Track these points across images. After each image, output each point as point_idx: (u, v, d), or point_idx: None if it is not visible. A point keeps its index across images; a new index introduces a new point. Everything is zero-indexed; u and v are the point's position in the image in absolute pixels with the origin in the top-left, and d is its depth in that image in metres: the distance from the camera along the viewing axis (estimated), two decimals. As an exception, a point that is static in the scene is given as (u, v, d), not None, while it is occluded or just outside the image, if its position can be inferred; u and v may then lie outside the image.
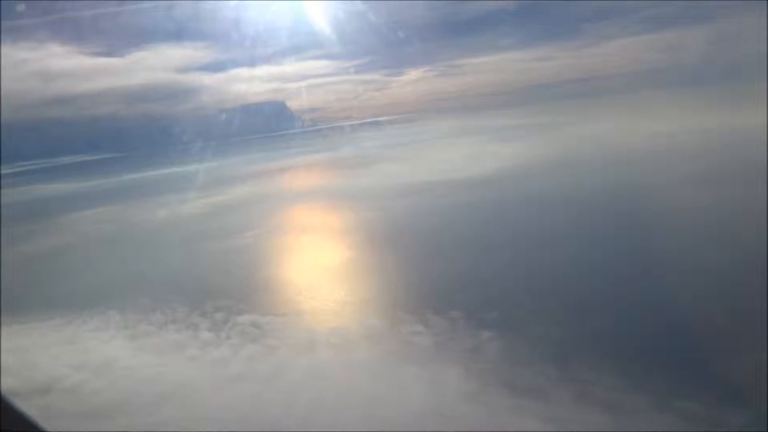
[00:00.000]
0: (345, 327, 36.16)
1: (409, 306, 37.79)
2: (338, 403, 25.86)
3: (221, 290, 49.07)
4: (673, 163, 76.28)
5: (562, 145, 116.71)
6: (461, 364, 29.81)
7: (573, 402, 25.75)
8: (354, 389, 27.43)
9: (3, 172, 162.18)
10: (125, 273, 60.94)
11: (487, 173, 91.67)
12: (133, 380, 30.15)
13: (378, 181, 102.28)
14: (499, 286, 41.43)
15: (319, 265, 55.24)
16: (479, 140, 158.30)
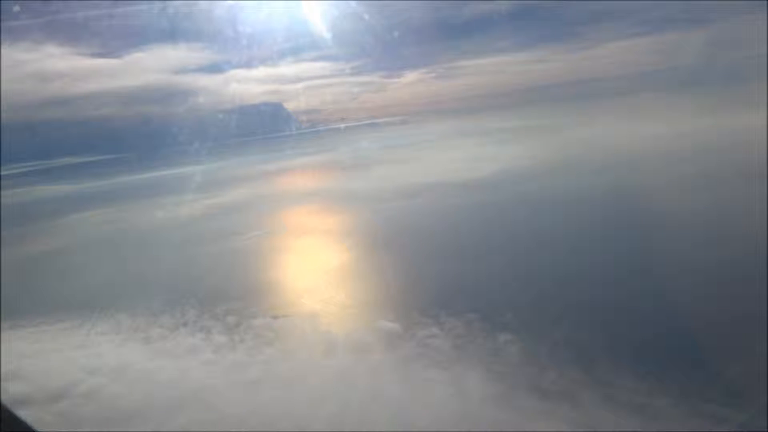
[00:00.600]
0: (360, 330, 35.71)
1: (421, 308, 37.45)
2: (364, 408, 25.50)
3: (229, 293, 48.68)
4: (671, 165, 76.32)
5: (561, 148, 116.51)
6: (483, 367, 29.51)
7: (602, 405, 25.50)
8: (378, 393, 27.08)
9: (1, 173, 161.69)
10: (129, 275, 60.48)
11: (486, 175, 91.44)
12: (151, 385, 29.66)
13: (377, 183, 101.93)
14: (507, 288, 41.19)
15: (323, 267, 54.90)
16: (477, 142, 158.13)
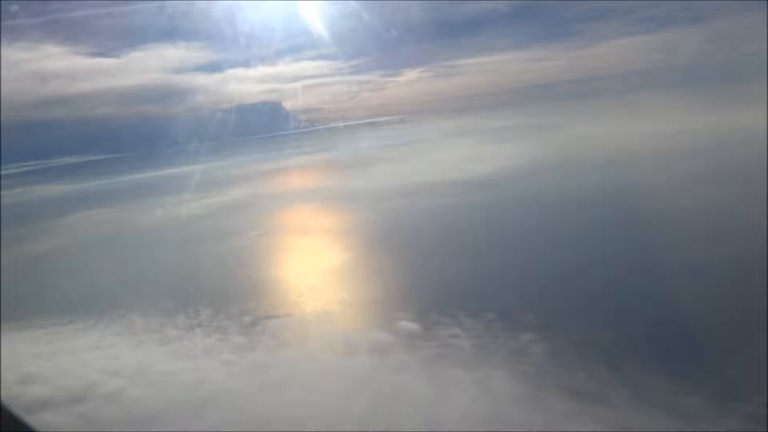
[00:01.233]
0: (379, 329, 35.31)
1: (429, 308, 37.17)
2: (393, 409, 25.16)
3: (238, 292, 48.41)
4: (671, 163, 76.40)
5: (561, 146, 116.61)
6: (508, 367, 29.21)
7: (634, 405, 25.25)
8: (406, 394, 26.75)
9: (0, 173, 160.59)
10: (133, 275, 60.00)
11: (486, 174, 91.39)
12: (173, 386, 29.22)
13: (377, 182, 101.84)
14: (516, 287, 41.08)
15: (328, 266, 54.53)
16: (477, 141, 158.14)
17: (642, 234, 48.51)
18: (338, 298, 44.47)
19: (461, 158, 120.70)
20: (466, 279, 43.91)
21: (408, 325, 34.84)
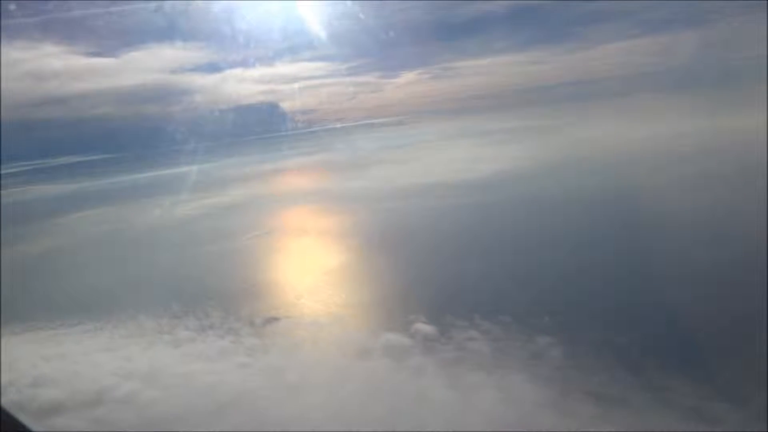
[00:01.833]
0: (394, 332, 34.89)
1: (441, 309, 36.84)
2: (416, 412, 24.78)
3: (245, 294, 48.11)
4: (669, 166, 76.62)
5: (559, 148, 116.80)
6: (528, 371, 28.89)
7: (657, 408, 24.98)
8: (428, 398, 26.40)
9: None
10: (136, 276, 59.51)
11: (485, 176, 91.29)
12: (189, 389, 28.75)
13: (376, 184, 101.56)
14: (518, 289, 40.83)
15: (334, 268, 54.19)
16: (475, 143, 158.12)
17: (642, 234, 48.45)
18: (345, 299, 44.09)
19: (460, 160, 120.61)
20: (465, 281, 43.68)
21: (423, 327, 34.45)
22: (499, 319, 34.72)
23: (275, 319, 40.31)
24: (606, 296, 37.91)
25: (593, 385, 27.04)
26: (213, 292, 47.89)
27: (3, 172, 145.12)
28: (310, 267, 56.09)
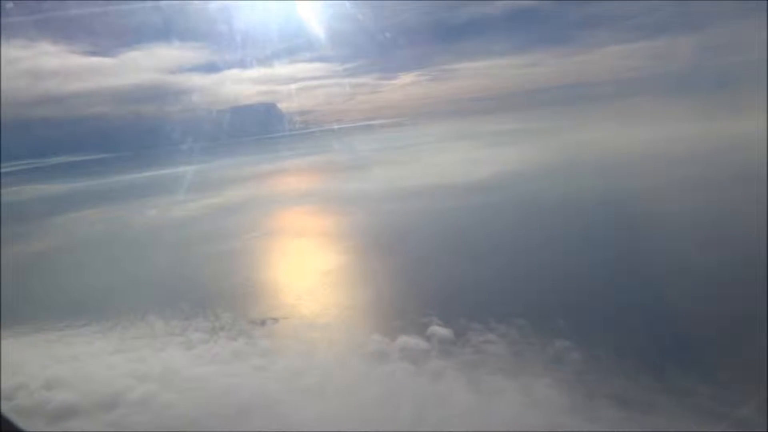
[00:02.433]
0: (410, 335, 34.47)
1: (455, 312, 36.50)
2: (443, 418, 24.36)
3: (251, 295, 47.75)
4: (665, 169, 76.97)
5: (556, 150, 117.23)
6: (549, 375, 28.56)
7: (683, 412, 24.71)
8: (449, 403, 26.01)
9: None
10: (138, 276, 58.99)
11: (483, 177, 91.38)
12: (205, 392, 28.23)
13: (374, 185, 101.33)
14: (517, 291, 40.68)
15: (340, 269, 53.82)
16: (473, 145, 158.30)
17: (644, 235, 48.66)
18: (353, 302, 43.66)
19: (458, 162, 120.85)
20: (466, 283, 43.49)
21: (439, 330, 34.10)
22: (513, 322, 34.44)
23: (285, 320, 39.98)
24: (610, 297, 37.79)
25: (617, 389, 26.75)
26: (217, 294, 47.53)
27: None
28: (311, 268, 55.69)
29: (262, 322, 39.08)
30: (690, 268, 39.31)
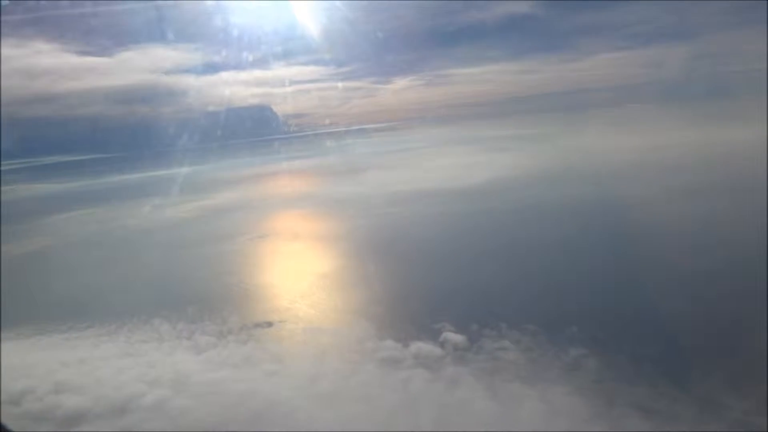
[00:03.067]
0: (421, 341, 34.04)
1: (476, 319, 36.17)
2: (464, 426, 23.95)
3: (254, 299, 47.29)
4: (657, 174, 77.53)
5: (551, 156, 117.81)
6: (568, 383, 28.23)
7: (707, 422, 24.46)
8: (470, 410, 25.60)
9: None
10: (134, 278, 58.36)
11: (477, 183, 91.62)
12: (220, 397, 27.66)
13: (368, 189, 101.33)
14: (515, 295, 40.46)
15: (339, 273, 53.38)
16: (466, 150, 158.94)
17: (640, 241, 48.77)
18: (356, 306, 43.17)
19: (451, 167, 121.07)
20: (465, 287, 43.23)
21: (454, 336, 33.72)
22: (525, 328, 34.16)
23: (290, 324, 39.53)
24: (613, 301, 37.72)
25: (638, 397, 26.48)
26: (218, 296, 47.02)
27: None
28: (308, 271, 55.21)
29: (269, 326, 38.56)
30: (692, 272, 39.42)
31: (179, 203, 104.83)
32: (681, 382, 27.29)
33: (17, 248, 78.92)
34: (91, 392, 28.46)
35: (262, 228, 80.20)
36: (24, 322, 41.41)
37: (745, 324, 31.48)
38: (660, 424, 24.50)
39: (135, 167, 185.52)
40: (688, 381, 27.36)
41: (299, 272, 55.46)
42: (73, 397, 27.79)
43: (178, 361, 32.58)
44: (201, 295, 47.50)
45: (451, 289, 43.38)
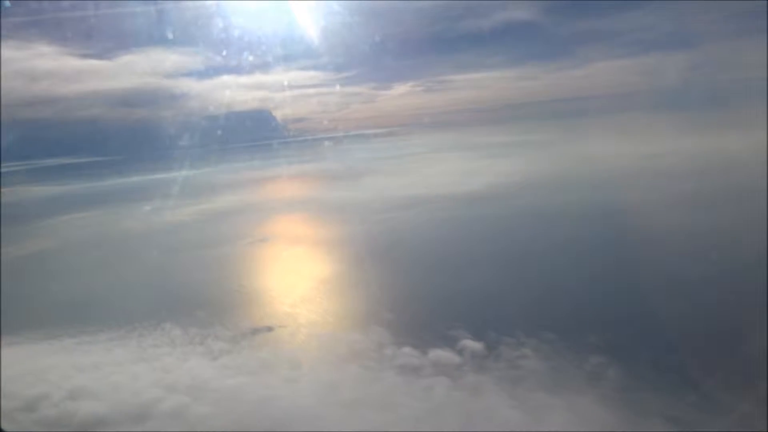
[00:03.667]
0: (439, 348, 33.66)
1: (492, 326, 35.87)
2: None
3: (264, 304, 46.94)
4: (655, 182, 77.61)
5: (549, 163, 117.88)
6: (594, 392, 27.92)
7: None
8: (497, 420, 25.19)
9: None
10: (139, 281, 57.92)
11: (476, 189, 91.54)
12: (239, 404, 27.18)
13: (367, 194, 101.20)
14: (514, 301, 40.00)
15: (343, 279, 53.06)
16: (466, 156, 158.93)
17: (637, 247, 48.79)
18: (386, 313, 42.34)
19: (451, 173, 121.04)
20: (466, 293, 43.14)
21: (472, 344, 33.38)
22: (543, 336, 33.91)
23: (303, 330, 39.18)
24: (617, 306, 37.93)
25: (666, 407, 26.19)
26: (225, 301, 46.63)
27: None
28: (316, 276, 54.85)
29: (282, 330, 38.21)
30: (702, 278, 38.90)
31: (179, 206, 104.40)
32: (705, 390, 27.01)
33: (17, 250, 78.31)
34: (108, 398, 27.97)
35: (263, 231, 79.81)
36: (32, 326, 40.84)
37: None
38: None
39: (135, 170, 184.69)
40: (712, 389, 27.06)
41: (304, 277, 55.12)
42: (91, 403, 27.29)
43: (194, 366, 32.06)
44: (206, 299, 47.13)
45: (456, 295, 43.21)
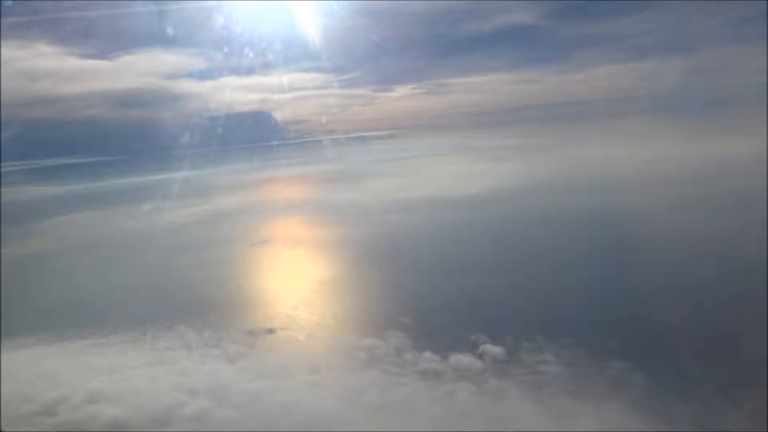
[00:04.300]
0: (458, 352, 33.31)
1: (502, 328, 35.57)
2: None
3: (269, 306, 46.52)
4: (654, 185, 77.77)
5: (549, 166, 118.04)
6: (621, 398, 27.60)
7: None
8: (521, 426, 24.85)
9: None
10: (141, 283, 57.38)
11: (477, 192, 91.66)
12: (263, 408, 26.77)
13: (368, 196, 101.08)
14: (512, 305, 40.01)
15: (345, 281, 52.65)
16: (466, 159, 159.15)
17: (635, 249, 49.16)
18: (402, 317, 41.85)
19: (450, 175, 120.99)
20: (464, 295, 43.21)
21: (492, 348, 33.03)
22: (562, 341, 33.62)
23: (319, 334, 38.73)
24: (624, 310, 37.52)
25: (695, 414, 25.90)
26: (233, 304, 46.20)
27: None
28: (321, 278, 54.43)
29: (298, 333, 37.80)
30: (707, 283, 39.25)
31: (179, 207, 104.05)
32: (732, 398, 26.74)
33: (18, 250, 77.70)
34: (128, 402, 27.51)
35: (263, 234, 79.24)
36: (42, 328, 40.33)
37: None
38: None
39: (135, 170, 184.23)
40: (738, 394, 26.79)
41: (310, 280, 54.69)
42: (111, 407, 26.84)
43: (212, 370, 31.63)
44: (215, 302, 46.80)
45: (469, 299, 42.96)
